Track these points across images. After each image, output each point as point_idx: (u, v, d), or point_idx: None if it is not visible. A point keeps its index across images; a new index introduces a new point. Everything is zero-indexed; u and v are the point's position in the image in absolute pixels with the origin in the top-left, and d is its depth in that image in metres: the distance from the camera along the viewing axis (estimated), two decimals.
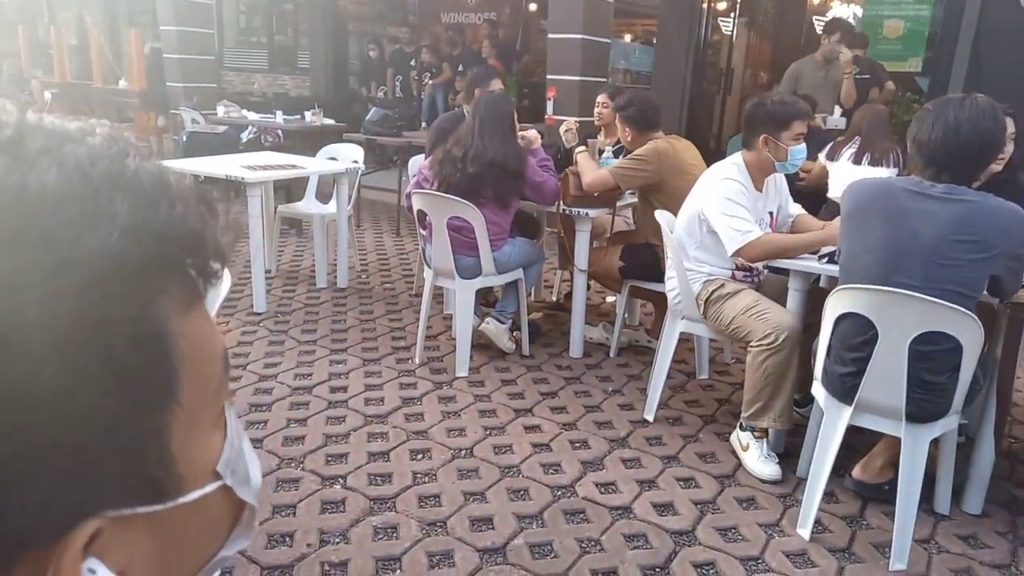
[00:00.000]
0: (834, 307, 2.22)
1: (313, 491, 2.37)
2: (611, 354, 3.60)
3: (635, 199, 3.57)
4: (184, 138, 6.33)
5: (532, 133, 3.49)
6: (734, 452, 2.70)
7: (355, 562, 2.04)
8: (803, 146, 2.69)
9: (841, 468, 2.44)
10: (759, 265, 2.80)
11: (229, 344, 2.92)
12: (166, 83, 9.19)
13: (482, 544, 2.15)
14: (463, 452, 2.66)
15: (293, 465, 2.52)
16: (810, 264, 2.54)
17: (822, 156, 4.19)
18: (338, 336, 3.71)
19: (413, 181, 3.53)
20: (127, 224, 0.31)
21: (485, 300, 3.90)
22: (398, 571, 2.03)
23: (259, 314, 3.95)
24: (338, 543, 2.13)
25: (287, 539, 2.13)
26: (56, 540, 0.30)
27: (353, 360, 3.42)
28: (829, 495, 2.40)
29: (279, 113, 7.07)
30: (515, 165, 3.22)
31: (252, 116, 7.36)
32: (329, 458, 2.58)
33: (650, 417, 2.95)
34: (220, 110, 7.36)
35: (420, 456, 2.63)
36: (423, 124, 8.16)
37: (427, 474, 2.51)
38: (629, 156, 3.29)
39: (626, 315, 3.67)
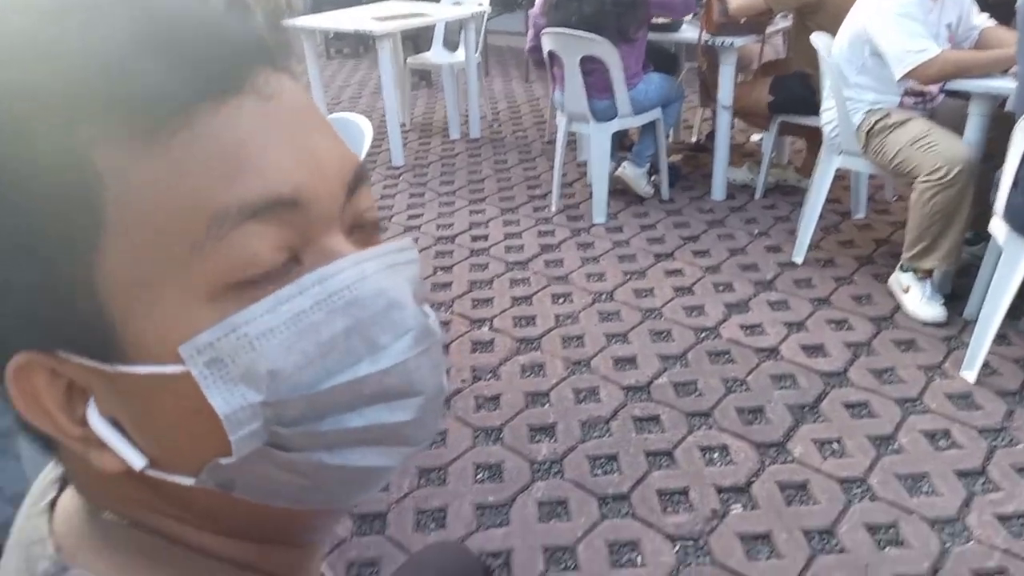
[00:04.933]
0: None
1: (463, 332, 2.51)
2: (756, 196, 3.42)
3: (788, 23, 3.23)
4: None
5: None
6: (892, 294, 2.55)
7: (506, 396, 2.17)
8: None
9: (1017, 309, 2.25)
10: (934, 88, 2.49)
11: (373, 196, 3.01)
12: None
13: (626, 382, 2.21)
14: (603, 296, 2.69)
15: (443, 309, 2.66)
16: (998, 83, 2.22)
17: None
18: (475, 186, 3.76)
19: (530, 35, 3.35)
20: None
21: (621, 144, 3.77)
22: (547, 404, 2.14)
23: (398, 168, 4.06)
24: (489, 379, 2.26)
25: None
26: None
27: (491, 209, 3.47)
28: (1001, 338, 2.24)
29: None
30: None
31: None
32: (475, 302, 2.69)
33: (799, 259, 2.82)
34: None
35: (562, 300, 2.69)
36: None
37: (569, 317, 2.57)
38: None
39: (774, 153, 3.44)
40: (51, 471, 0.44)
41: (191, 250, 0.30)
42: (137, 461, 0.34)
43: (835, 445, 1.93)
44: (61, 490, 0.42)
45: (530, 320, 2.56)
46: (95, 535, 0.38)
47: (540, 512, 1.77)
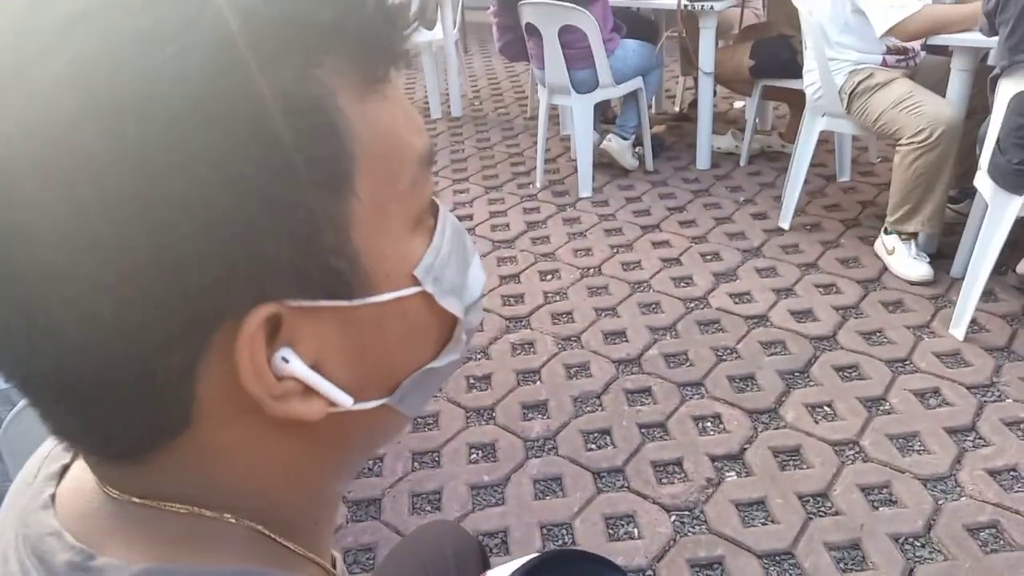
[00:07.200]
0: (1009, 88, 1.94)
1: None
2: (741, 163, 3.40)
3: None
4: None
5: None
6: (879, 257, 2.55)
7: (497, 375, 2.17)
8: None
9: (1003, 265, 2.27)
10: (915, 45, 2.47)
11: None
12: None
13: (617, 356, 2.20)
14: (591, 271, 2.68)
15: None
16: (980, 37, 2.20)
17: None
18: (458, 166, 3.72)
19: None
20: None
21: (604, 117, 3.74)
22: (538, 382, 2.13)
23: None
24: (480, 359, 2.25)
25: None
26: (236, 322, 0.30)
27: (475, 188, 3.44)
28: (988, 294, 2.25)
29: None
30: None
31: None
32: None
33: (785, 225, 2.82)
34: None
35: (549, 277, 2.67)
36: None
37: (558, 293, 2.56)
38: None
39: (757, 120, 3.42)
40: (37, 469, 0.42)
41: (411, 186, 0.35)
42: (345, 399, 0.35)
43: (826, 408, 1.94)
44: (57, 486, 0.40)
45: (518, 298, 2.55)
46: (119, 523, 0.36)
47: (535, 489, 1.77)
